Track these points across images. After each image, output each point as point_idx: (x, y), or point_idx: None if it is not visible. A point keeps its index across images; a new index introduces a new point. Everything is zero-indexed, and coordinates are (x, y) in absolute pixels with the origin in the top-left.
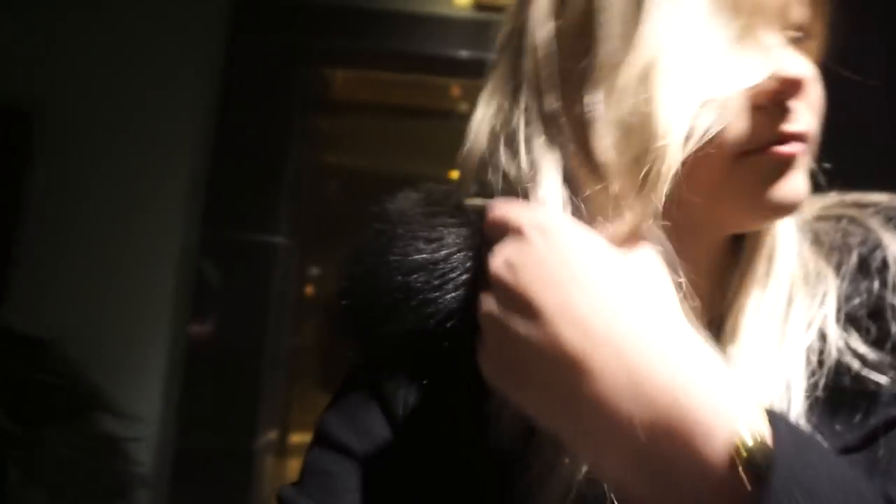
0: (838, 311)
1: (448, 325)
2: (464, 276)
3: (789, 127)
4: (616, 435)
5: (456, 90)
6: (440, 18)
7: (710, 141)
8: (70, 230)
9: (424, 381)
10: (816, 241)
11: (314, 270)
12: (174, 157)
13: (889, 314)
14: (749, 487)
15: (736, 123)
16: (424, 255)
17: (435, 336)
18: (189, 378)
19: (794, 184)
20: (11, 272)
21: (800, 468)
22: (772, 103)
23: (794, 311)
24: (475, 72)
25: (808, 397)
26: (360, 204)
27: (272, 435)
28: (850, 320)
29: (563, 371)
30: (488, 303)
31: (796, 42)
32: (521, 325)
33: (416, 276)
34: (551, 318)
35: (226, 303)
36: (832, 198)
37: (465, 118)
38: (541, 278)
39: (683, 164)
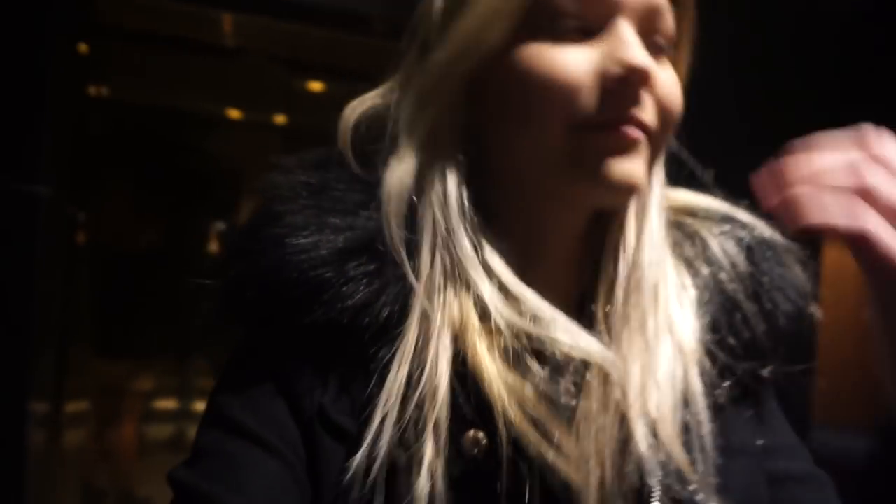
0: (700, 316)
1: (364, 320)
2: (374, 265)
3: (633, 111)
4: None
5: (228, 24)
6: None
7: (554, 109)
8: None
9: (332, 373)
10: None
11: (82, 216)
12: None
13: (737, 317)
14: None
15: (582, 97)
16: (334, 246)
17: (347, 331)
18: None
19: (632, 166)
20: None
21: None
22: (617, 89)
23: (661, 308)
24: (249, 6)
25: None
26: (128, 140)
27: (42, 406)
28: (708, 322)
29: None
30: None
31: (660, 50)
32: None
33: (325, 269)
34: None
35: None
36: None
37: (236, 53)
38: None
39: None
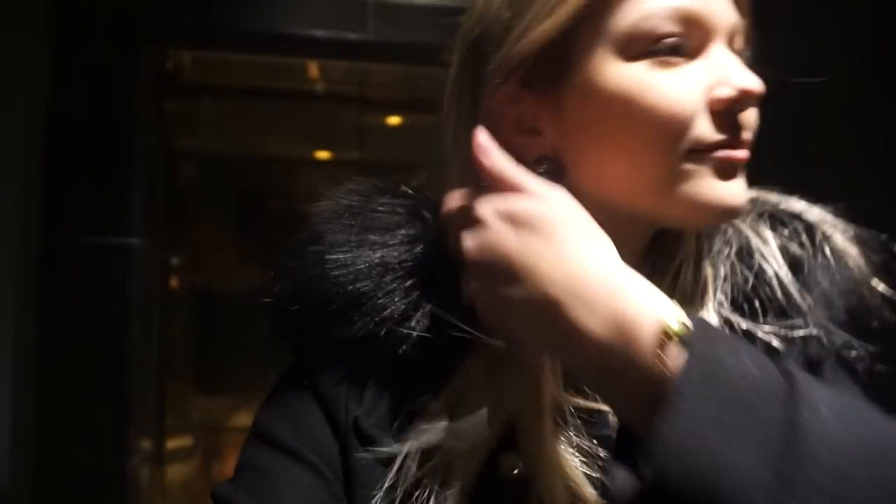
0: (731, 299)
1: (401, 330)
2: (410, 280)
3: (743, 133)
4: (583, 344)
5: (314, 70)
6: None
7: (664, 135)
8: None
9: (368, 389)
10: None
11: (175, 261)
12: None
13: (762, 292)
14: (671, 361)
15: (693, 122)
16: (371, 261)
17: (384, 342)
18: (44, 394)
19: (738, 188)
20: None
21: (716, 338)
22: (726, 110)
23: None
24: (331, 52)
25: None
26: (218, 189)
27: (146, 445)
28: (736, 306)
29: (541, 312)
30: (473, 276)
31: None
32: (506, 289)
33: (363, 283)
34: (528, 279)
35: (80, 311)
36: None
37: (323, 98)
38: (520, 245)
39: (629, 154)
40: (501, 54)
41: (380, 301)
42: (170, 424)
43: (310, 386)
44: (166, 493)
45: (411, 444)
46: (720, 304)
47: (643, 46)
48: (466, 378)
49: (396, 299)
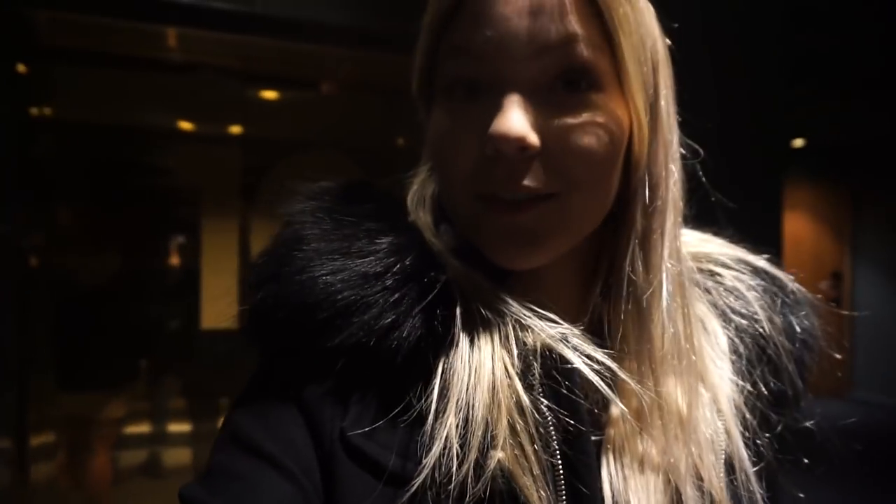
0: (738, 371)
1: (391, 342)
2: (399, 291)
3: (510, 184)
4: None
5: (172, 39)
6: None
7: (452, 183)
8: None
9: (354, 398)
10: (698, 290)
11: (33, 245)
12: None
13: (770, 368)
14: None
15: (470, 173)
16: (359, 270)
17: (374, 352)
18: None
19: (520, 240)
20: None
21: None
22: (495, 161)
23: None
24: (193, 20)
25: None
26: (76, 161)
27: (5, 443)
28: (739, 373)
29: None
30: None
31: (574, 87)
32: None
33: (352, 291)
34: None
35: None
36: (691, 243)
37: (182, 69)
38: None
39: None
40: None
41: (370, 311)
42: (32, 420)
43: (291, 395)
44: (32, 495)
45: (407, 456)
46: None
47: (444, 91)
48: (445, 380)
49: (385, 309)
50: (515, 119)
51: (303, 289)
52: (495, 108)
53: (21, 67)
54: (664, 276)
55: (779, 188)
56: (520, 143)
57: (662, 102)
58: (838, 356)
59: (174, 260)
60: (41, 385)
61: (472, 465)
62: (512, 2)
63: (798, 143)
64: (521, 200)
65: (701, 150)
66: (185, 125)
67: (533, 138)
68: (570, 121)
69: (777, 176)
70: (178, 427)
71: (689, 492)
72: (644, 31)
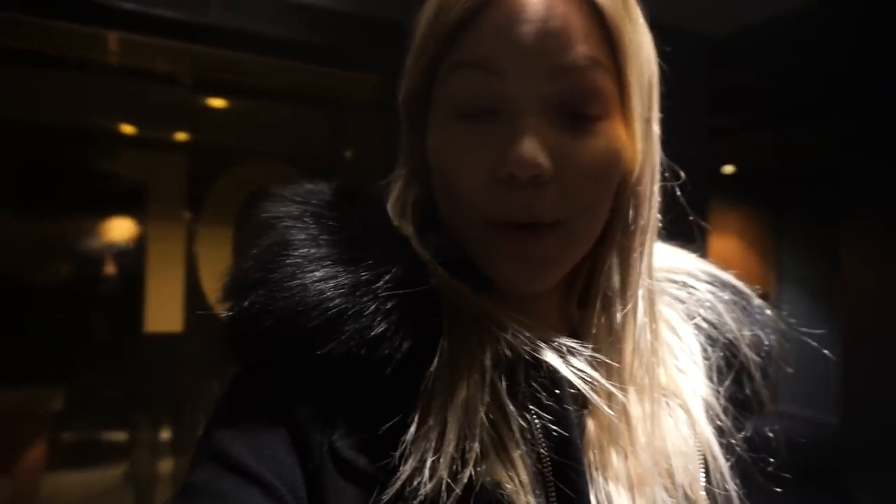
0: (710, 377)
1: (381, 352)
2: (391, 302)
3: (522, 211)
4: None
5: (114, 43)
6: None
7: (460, 207)
8: None
9: (343, 410)
10: (670, 298)
11: None
12: None
13: (743, 375)
14: None
15: (480, 199)
16: (350, 279)
17: (364, 363)
18: None
19: (525, 272)
20: None
21: None
22: (508, 188)
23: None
24: (136, 26)
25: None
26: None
27: None
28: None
29: None
30: None
31: (583, 117)
32: None
33: (344, 300)
34: None
35: None
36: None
37: (121, 71)
38: None
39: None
40: (400, 92)
41: (361, 320)
42: None
43: (275, 408)
44: None
45: (401, 468)
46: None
47: (448, 106)
48: (430, 390)
49: (377, 319)
50: (533, 145)
51: (293, 295)
52: (510, 130)
53: None
54: (640, 293)
55: (706, 212)
56: (537, 171)
57: (654, 125)
58: (790, 370)
59: (109, 265)
60: None
61: (455, 474)
62: (530, 21)
63: (728, 169)
64: (533, 228)
65: (682, 173)
66: (127, 128)
67: (549, 165)
68: (581, 146)
69: (705, 201)
70: None
71: (664, 496)
72: (644, 56)
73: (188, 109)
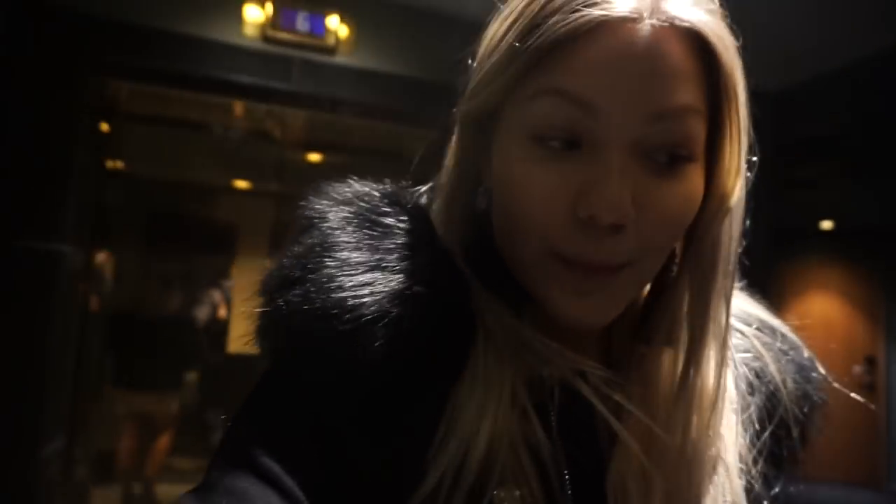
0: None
1: (412, 365)
2: (428, 315)
3: (597, 254)
4: None
5: (239, 109)
6: (226, 46)
7: (528, 232)
8: None
9: (369, 422)
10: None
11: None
12: None
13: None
14: None
15: (553, 228)
16: (389, 287)
17: (393, 373)
18: None
19: (588, 308)
20: None
21: None
22: (587, 226)
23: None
24: (255, 96)
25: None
26: (146, 210)
27: (57, 443)
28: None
29: None
30: None
31: (673, 159)
32: None
33: (377, 308)
34: None
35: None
36: None
37: (246, 135)
38: None
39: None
40: (464, 105)
41: (396, 330)
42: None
43: (300, 410)
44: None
45: (424, 479)
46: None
47: (529, 132)
48: (456, 409)
49: (413, 330)
50: (620, 190)
51: (329, 297)
52: (598, 169)
53: (104, 126)
54: (714, 333)
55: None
56: (622, 221)
57: (745, 169)
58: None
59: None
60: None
61: (475, 495)
62: (635, 60)
63: (827, 225)
64: (603, 268)
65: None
66: (241, 183)
67: (632, 213)
68: (664, 191)
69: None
70: None
71: None
72: (743, 99)
73: (281, 164)
